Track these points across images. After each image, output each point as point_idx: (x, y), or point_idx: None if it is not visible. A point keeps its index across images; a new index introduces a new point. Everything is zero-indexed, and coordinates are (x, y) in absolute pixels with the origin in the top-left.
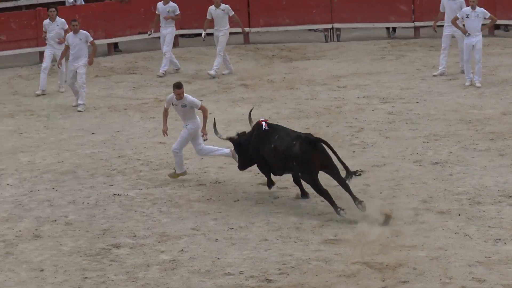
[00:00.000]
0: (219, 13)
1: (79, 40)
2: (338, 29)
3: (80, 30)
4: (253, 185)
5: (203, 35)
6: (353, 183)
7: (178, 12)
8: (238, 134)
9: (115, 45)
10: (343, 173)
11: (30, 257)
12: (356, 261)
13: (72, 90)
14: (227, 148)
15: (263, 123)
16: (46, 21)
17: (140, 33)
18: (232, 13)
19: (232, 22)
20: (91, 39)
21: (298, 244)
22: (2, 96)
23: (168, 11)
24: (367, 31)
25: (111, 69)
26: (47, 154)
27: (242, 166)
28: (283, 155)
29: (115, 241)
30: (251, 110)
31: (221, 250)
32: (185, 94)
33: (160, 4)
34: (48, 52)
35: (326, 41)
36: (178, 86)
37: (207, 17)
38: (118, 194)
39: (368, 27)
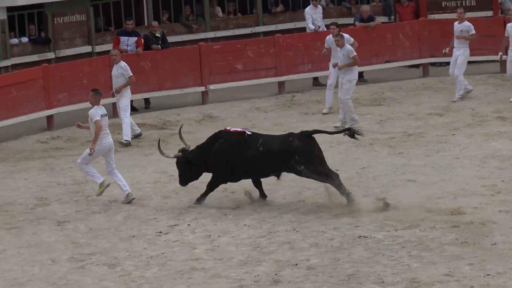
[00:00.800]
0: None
1: (343, 55)
2: None
3: (346, 45)
4: (511, 227)
5: (499, 55)
6: None
7: (473, 32)
8: (181, 151)
9: (360, 74)
10: None
11: None
12: None
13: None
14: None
15: (246, 131)
16: (330, 37)
17: (387, 61)
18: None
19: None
20: (354, 54)
21: None
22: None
23: (461, 31)
24: None
25: (356, 101)
26: (287, 193)
27: (185, 181)
28: (279, 154)
29: (361, 287)
30: (181, 127)
31: None
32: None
33: (455, 23)
34: (333, 69)
35: None
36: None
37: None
38: (364, 236)
39: None
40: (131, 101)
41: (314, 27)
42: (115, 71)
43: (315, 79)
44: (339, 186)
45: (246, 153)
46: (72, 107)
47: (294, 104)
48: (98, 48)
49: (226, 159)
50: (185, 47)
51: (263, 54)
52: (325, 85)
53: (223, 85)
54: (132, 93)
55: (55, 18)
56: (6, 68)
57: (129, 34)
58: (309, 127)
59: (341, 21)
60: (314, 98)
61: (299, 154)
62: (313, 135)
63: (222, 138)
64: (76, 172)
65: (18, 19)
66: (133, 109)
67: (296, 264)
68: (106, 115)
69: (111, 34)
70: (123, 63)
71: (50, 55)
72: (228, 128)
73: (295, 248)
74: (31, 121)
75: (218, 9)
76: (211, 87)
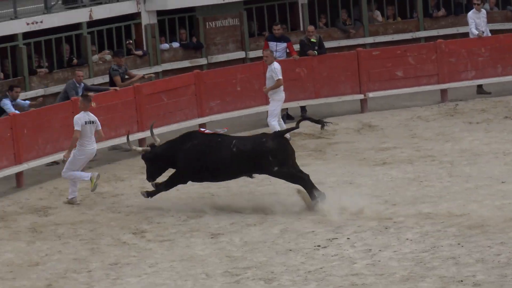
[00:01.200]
0: None
1: None
2: None
3: None
4: None
5: None
6: None
7: None
8: (150, 146)
9: None
10: None
11: None
12: None
13: None
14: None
15: (217, 131)
16: None
17: None
18: None
19: None
20: None
21: None
22: (399, 139)
23: None
24: None
25: None
26: (452, 205)
27: (152, 177)
28: (252, 154)
29: None
30: (152, 124)
31: None
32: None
33: None
34: None
35: None
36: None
37: None
38: None
39: None
40: (287, 109)
41: (477, 32)
42: (267, 72)
43: (479, 86)
44: (310, 189)
45: (218, 154)
46: (225, 115)
47: (458, 113)
48: (252, 54)
49: (197, 161)
50: (343, 53)
51: (424, 60)
52: (489, 93)
53: (382, 92)
54: (288, 100)
55: (207, 23)
56: (156, 74)
57: (277, 39)
58: (473, 137)
59: (506, 26)
60: (478, 107)
61: (272, 155)
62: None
63: (196, 140)
64: (231, 183)
65: (169, 24)
66: (289, 117)
67: (462, 281)
68: (93, 122)
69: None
70: (275, 65)
71: (202, 61)
72: (202, 129)
73: (460, 263)
74: (182, 130)
75: (377, 13)
76: (370, 94)
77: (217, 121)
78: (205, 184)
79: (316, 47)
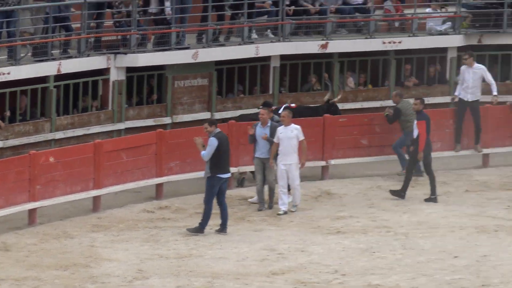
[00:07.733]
0: None
1: None
2: None
3: None
4: None
5: None
6: None
7: None
8: None
9: None
10: None
11: None
12: None
13: None
14: None
15: None
16: None
17: None
18: None
19: None
20: None
21: None
22: (356, 208)
23: None
24: None
25: (484, 184)
26: (401, 278)
27: None
28: None
29: None
30: None
31: None
32: None
33: None
34: None
35: None
36: None
37: None
38: None
39: None
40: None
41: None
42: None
43: None
44: None
45: None
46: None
47: (419, 185)
48: (218, 115)
49: None
50: (309, 118)
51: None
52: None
53: (345, 160)
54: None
55: (176, 82)
56: (119, 131)
57: None
58: (431, 210)
59: None
60: (440, 179)
61: None
62: None
63: None
64: (181, 245)
65: (137, 81)
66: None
67: None
68: None
69: (233, 101)
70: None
71: (167, 120)
72: None
73: None
74: (139, 189)
75: (351, 79)
76: (332, 162)
77: (175, 182)
78: (156, 245)
79: None
